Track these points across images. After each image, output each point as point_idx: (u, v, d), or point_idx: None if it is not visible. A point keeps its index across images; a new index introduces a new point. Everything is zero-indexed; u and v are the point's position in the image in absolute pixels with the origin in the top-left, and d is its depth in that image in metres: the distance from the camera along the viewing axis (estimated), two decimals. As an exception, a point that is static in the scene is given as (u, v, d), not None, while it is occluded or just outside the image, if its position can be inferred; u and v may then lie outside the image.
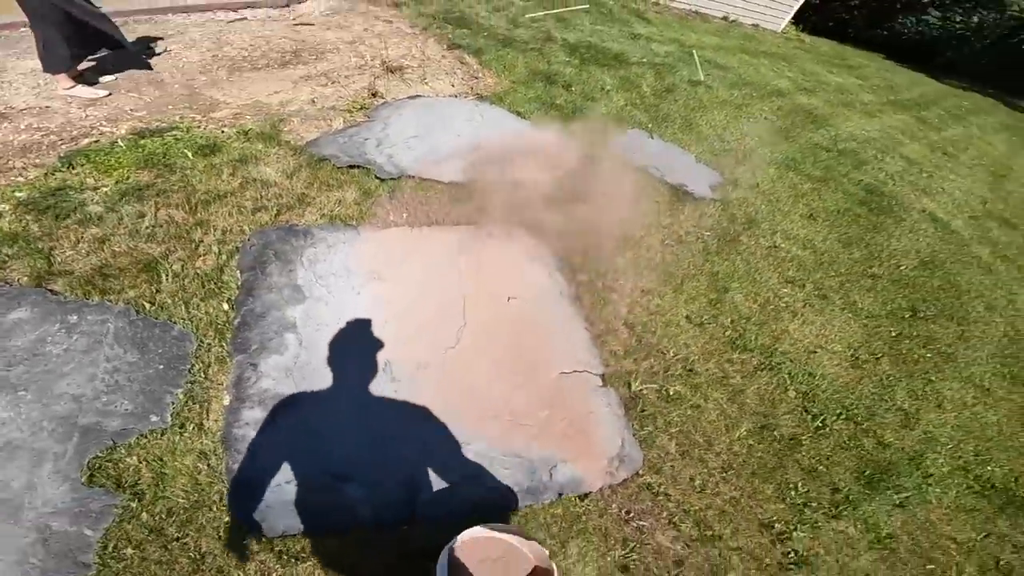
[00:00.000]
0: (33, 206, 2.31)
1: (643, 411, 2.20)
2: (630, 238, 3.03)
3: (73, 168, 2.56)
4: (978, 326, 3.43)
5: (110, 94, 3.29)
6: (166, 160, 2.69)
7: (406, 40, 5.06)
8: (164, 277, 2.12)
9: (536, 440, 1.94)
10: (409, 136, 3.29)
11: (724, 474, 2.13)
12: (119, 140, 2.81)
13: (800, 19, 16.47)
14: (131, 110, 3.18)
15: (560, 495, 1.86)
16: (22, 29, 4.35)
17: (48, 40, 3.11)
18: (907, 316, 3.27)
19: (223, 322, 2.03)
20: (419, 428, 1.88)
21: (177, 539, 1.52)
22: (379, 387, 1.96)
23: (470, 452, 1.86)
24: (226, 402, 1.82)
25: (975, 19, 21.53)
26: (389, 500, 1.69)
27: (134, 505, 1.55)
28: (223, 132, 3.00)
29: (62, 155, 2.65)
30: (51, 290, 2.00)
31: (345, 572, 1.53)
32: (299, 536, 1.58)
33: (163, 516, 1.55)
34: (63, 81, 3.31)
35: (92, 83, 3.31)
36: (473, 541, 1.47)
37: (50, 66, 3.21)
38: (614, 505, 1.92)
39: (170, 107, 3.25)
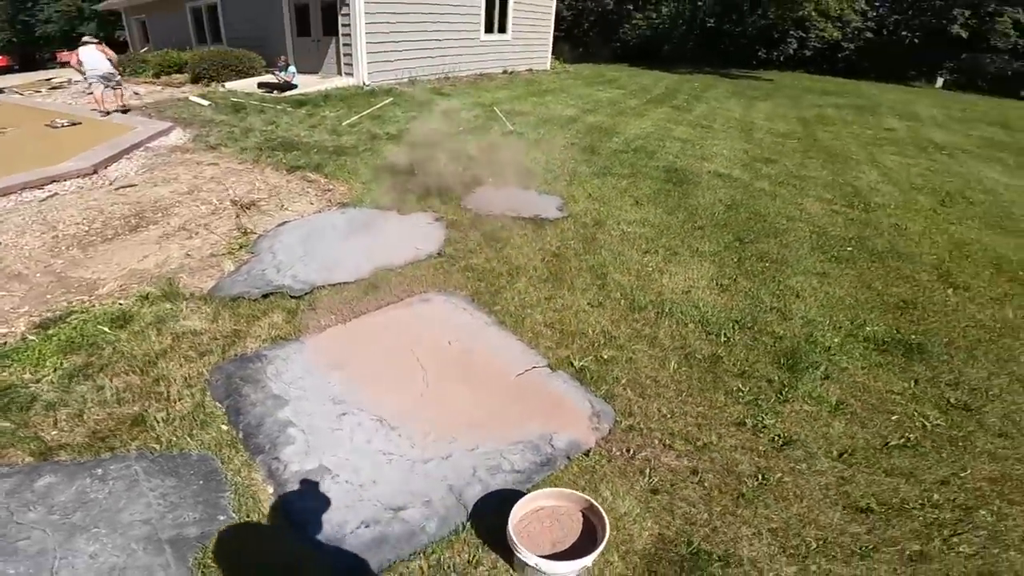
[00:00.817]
0: None
1: (592, 378, 2.86)
2: (519, 267, 3.92)
3: (2, 371, 2.71)
4: (789, 234, 4.85)
5: None
6: (86, 340, 2.90)
7: (243, 176, 5.63)
8: (156, 424, 2.40)
9: (526, 425, 2.57)
10: (300, 255, 3.84)
11: (680, 398, 2.74)
12: (25, 336, 2.98)
13: (557, 52, 20.32)
14: (11, 308, 3.29)
15: (569, 458, 2.42)
16: None
17: None
18: (737, 245, 4.55)
19: (230, 439, 2.38)
20: (433, 451, 2.43)
21: None
22: (384, 436, 2.46)
23: (482, 454, 2.43)
24: (271, 491, 2.19)
25: (664, 11, 28.55)
26: (444, 511, 2.17)
27: None
28: (123, 303, 3.30)
29: None
30: (58, 460, 2.22)
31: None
32: (395, 565, 1.95)
33: None
34: None
35: None
36: (525, 516, 2.04)
37: None
38: (614, 450, 2.46)
39: (48, 297, 3.41)
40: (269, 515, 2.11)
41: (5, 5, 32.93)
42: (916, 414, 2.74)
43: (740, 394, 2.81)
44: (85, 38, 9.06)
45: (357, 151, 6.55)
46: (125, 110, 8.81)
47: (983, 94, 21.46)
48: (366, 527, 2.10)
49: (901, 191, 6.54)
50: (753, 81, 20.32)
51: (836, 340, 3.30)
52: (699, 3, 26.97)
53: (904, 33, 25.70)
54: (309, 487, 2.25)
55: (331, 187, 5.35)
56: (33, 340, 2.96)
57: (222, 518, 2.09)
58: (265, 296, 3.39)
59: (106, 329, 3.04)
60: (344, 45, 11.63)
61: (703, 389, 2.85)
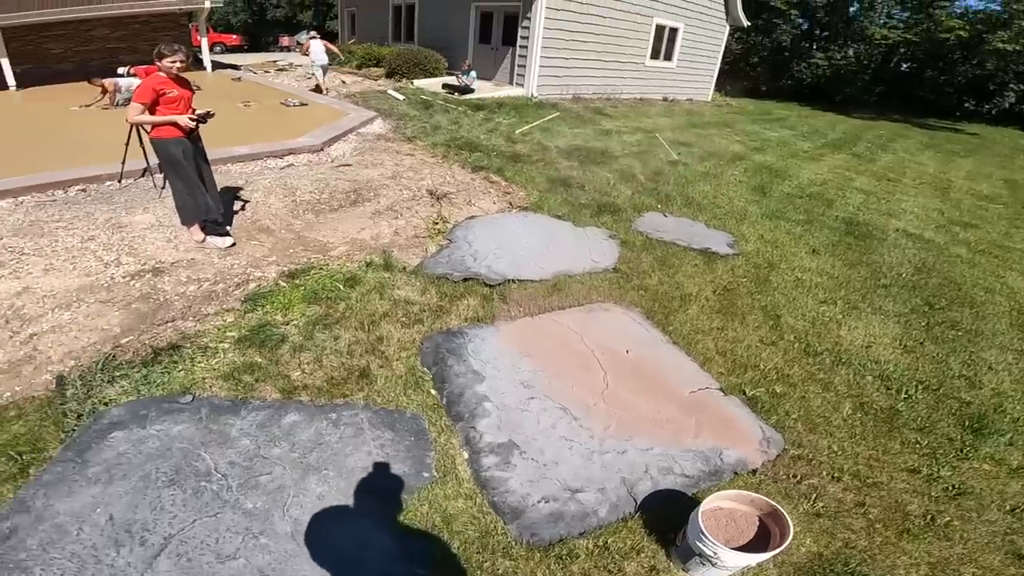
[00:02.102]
0: (248, 342, 3.10)
1: (763, 408, 2.99)
2: (690, 294, 4.06)
3: (257, 309, 3.41)
4: (986, 307, 4.52)
5: (234, 243, 4.24)
6: (325, 294, 3.59)
7: (436, 169, 6.37)
8: (377, 380, 2.94)
9: (698, 437, 2.75)
10: (493, 249, 4.33)
11: (852, 440, 2.82)
12: (280, 282, 3.73)
13: (720, 85, 19.75)
14: (262, 256, 4.13)
15: (736, 473, 2.60)
16: (108, 183, 5.38)
17: (180, 193, 4.04)
18: (927, 310, 4.33)
19: (435, 404, 2.82)
20: (611, 444, 2.67)
21: (482, 565, 2.09)
22: (567, 424, 2.75)
23: (655, 456, 2.64)
24: (466, 456, 2.56)
25: (851, 52, 26.28)
26: (615, 500, 2.42)
27: (443, 542, 2.16)
28: (352, 266, 3.98)
29: (242, 299, 3.52)
30: (299, 400, 2.80)
31: (608, 558, 2.19)
32: (566, 540, 2.22)
33: (465, 548, 2.15)
34: (195, 233, 4.20)
35: (217, 234, 4.25)
36: (704, 513, 2.19)
37: (186, 219, 4.16)
38: (781, 473, 2.60)
39: (291, 251, 4.22)
40: (463, 478, 2.45)
41: None
42: None
43: (917, 446, 2.85)
44: (312, 33, 11.00)
45: (531, 159, 7.07)
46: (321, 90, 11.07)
47: None
48: (545, 503, 2.38)
49: None
50: (953, 134, 18.19)
51: None
52: (901, 49, 24.67)
53: None
54: (499, 459, 2.58)
55: (511, 190, 5.86)
56: (284, 287, 3.69)
57: (426, 475, 2.46)
58: (464, 280, 3.88)
59: (340, 286, 3.69)
60: (520, 56, 12.46)
61: (877, 436, 2.90)
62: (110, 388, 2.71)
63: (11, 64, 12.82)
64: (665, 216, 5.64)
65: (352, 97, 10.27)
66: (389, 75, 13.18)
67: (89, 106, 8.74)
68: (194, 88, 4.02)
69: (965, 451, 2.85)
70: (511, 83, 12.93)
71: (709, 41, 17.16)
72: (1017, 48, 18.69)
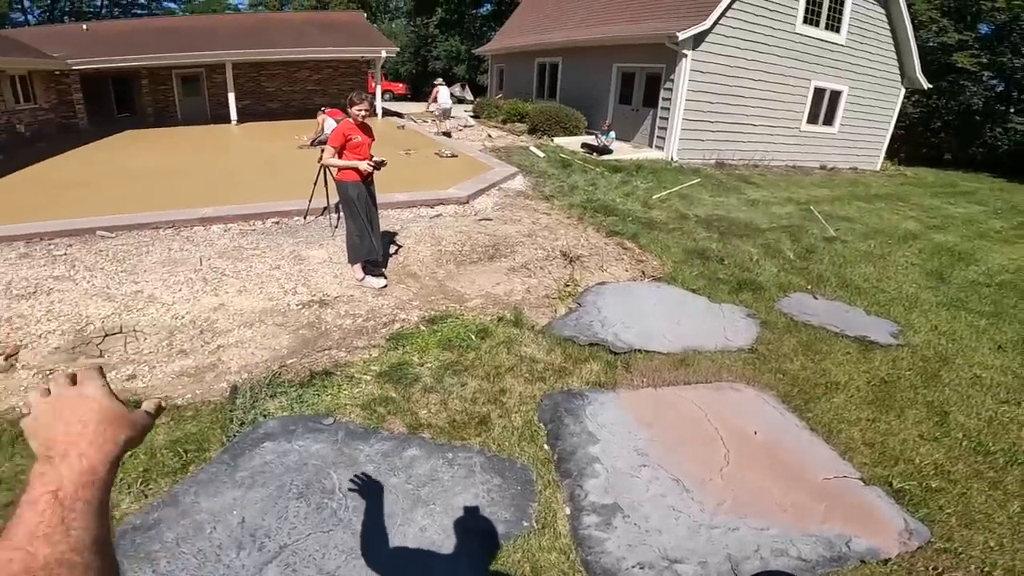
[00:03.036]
0: (387, 377, 3.49)
1: (911, 500, 2.69)
2: (838, 383, 3.70)
3: (398, 348, 3.82)
4: None
5: (387, 285, 4.79)
6: (458, 342, 3.91)
7: (570, 231, 6.65)
8: (495, 428, 3.11)
9: (825, 523, 2.52)
10: (622, 317, 4.39)
11: (1015, 536, 2.53)
12: (420, 326, 4.15)
13: (892, 153, 17.92)
14: (408, 300, 4.62)
15: (863, 561, 2.34)
16: (296, 218, 6.41)
17: (352, 233, 4.65)
18: None
19: (545, 458, 2.91)
20: (721, 520, 2.53)
21: None
22: (677, 495, 2.66)
23: (770, 536, 2.44)
24: (567, 512, 2.61)
25: None
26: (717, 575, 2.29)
27: None
28: (484, 319, 4.29)
29: (387, 337, 3.98)
30: (422, 437, 3.05)
31: None
32: None
33: None
34: (357, 271, 4.83)
35: (374, 274, 4.84)
36: None
37: (353, 258, 4.80)
38: (919, 564, 2.34)
39: (432, 298, 4.66)
40: (561, 532, 2.49)
41: (414, 39, 42.48)
42: None
43: None
44: (440, 80, 13.07)
45: (667, 227, 7.05)
46: (447, 134, 12.83)
47: None
48: (640, 568, 2.32)
49: None
50: None
51: None
52: None
53: None
54: (601, 519, 2.58)
55: (644, 258, 5.90)
56: (423, 330, 4.07)
57: (525, 524, 2.54)
58: (590, 345, 3.97)
59: (472, 336, 3.99)
60: (661, 119, 12.62)
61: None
62: (271, 402, 3.21)
63: (235, 99, 15.93)
64: (816, 298, 5.23)
65: (496, 151, 11.17)
66: (531, 131, 14.09)
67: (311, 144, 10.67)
68: (374, 135, 4.68)
69: None
70: (650, 145, 13.10)
71: (879, 104, 15.86)
72: None
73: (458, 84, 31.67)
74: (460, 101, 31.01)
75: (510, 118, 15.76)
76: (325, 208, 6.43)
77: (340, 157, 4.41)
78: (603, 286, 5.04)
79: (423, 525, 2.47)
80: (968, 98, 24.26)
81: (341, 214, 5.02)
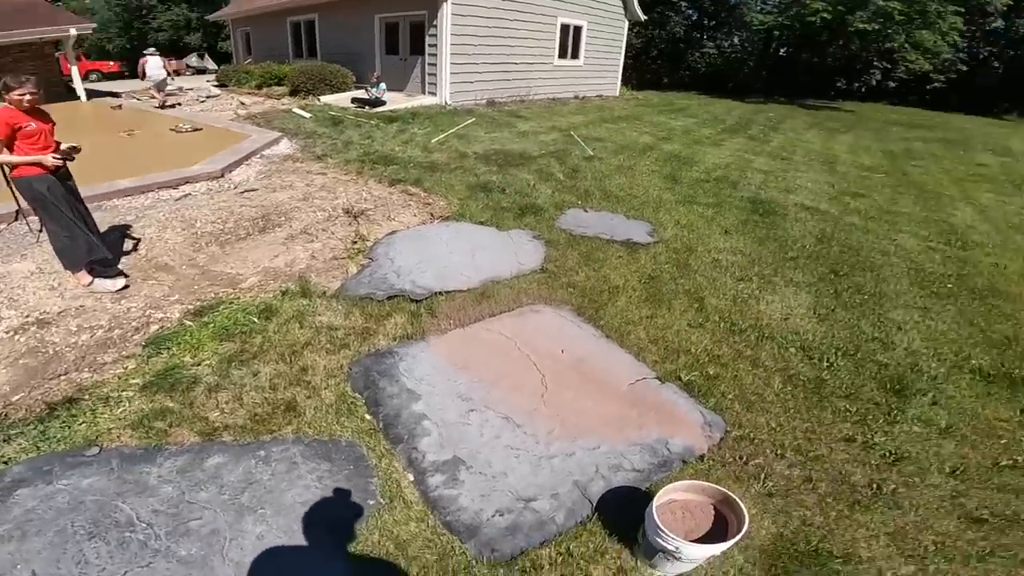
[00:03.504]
0: (155, 387, 2.82)
1: (700, 391, 3.05)
2: (618, 287, 4.13)
3: (162, 352, 3.11)
4: (885, 269, 4.88)
5: (127, 285, 3.86)
6: (238, 329, 3.33)
7: (351, 187, 6.14)
8: (306, 412, 2.75)
9: (642, 429, 2.78)
10: (416, 263, 4.20)
11: (787, 414, 2.88)
12: (185, 321, 3.43)
13: (625, 80, 20.60)
14: (162, 296, 3.78)
15: (684, 461, 2.62)
16: None
17: (57, 235, 3.65)
18: (832, 277, 4.61)
19: (370, 429, 2.68)
20: (557, 448, 2.64)
21: None
22: (511, 432, 2.69)
23: (603, 454, 2.63)
24: (411, 478, 2.46)
25: (736, 40, 28.35)
26: (570, 504, 2.38)
27: (400, 568, 1.99)
28: (266, 297, 3.73)
29: (143, 344, 3.20)
30: (222, 441, 2.57)
31: (574, 564, 2.14)
32: (527, 551, 2.16)
33: (424, 572, 2.01)
34: (82, 277, 3.78)
35: (105, 276, 3.83)
36: (658, 508, 2.19)
37: (71, 263, 3.74)
38: (727, 456, 2.65)
39: (196, 287, 3.89)
40: (411, 501, 2.35)
41: (121, 12, 35.74)
42: (1022, 440, 2.83)
43: (847, 414, 2.93)
44: (151, 49, 11.35)
45: (449, 168, 6.99)
46: (170, 106, 11.99)
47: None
48: (500, 516, 2.32)
49: (998, 230, 6.37)
50: (832, 112, 19.93)
51: (942, 371, 3.38)
52: (774, 32, 26.69)
53: (996, 65, 24.50)
54: (446, 477, 2.50)
55: (431, 201, 5.76)
56: (190, 326, 3.40)
57: (371, 502, 2.34)
58: (389, 298, 3.74)
59: (254, 319, 3.45)
60: (430, 65, 12.35)
61: (809, 408, 2.99)
62: (7, 447, 2.44)
63: None
64: (586, 211, 5.74)
65: (253, 118, 9.74)
66: (293, 93, 12.66)
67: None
68: (53, 120, 3.66)
69: (893, 415, 2.95)
70: (423, 92, 12.79)
71: (611, 37, 17.84)
72: (875, 28, 20.58)
73: (194, 54, 27.76)
74: (201, 71, 26.46)
75: (266, 82, 14.01)
76: (18, 212, 4.85)
77: (11, 151, 3.36)
78: (393, 235, 4.79)
79: (258, 533, 2.13)
80: (673, 28, 28.74)
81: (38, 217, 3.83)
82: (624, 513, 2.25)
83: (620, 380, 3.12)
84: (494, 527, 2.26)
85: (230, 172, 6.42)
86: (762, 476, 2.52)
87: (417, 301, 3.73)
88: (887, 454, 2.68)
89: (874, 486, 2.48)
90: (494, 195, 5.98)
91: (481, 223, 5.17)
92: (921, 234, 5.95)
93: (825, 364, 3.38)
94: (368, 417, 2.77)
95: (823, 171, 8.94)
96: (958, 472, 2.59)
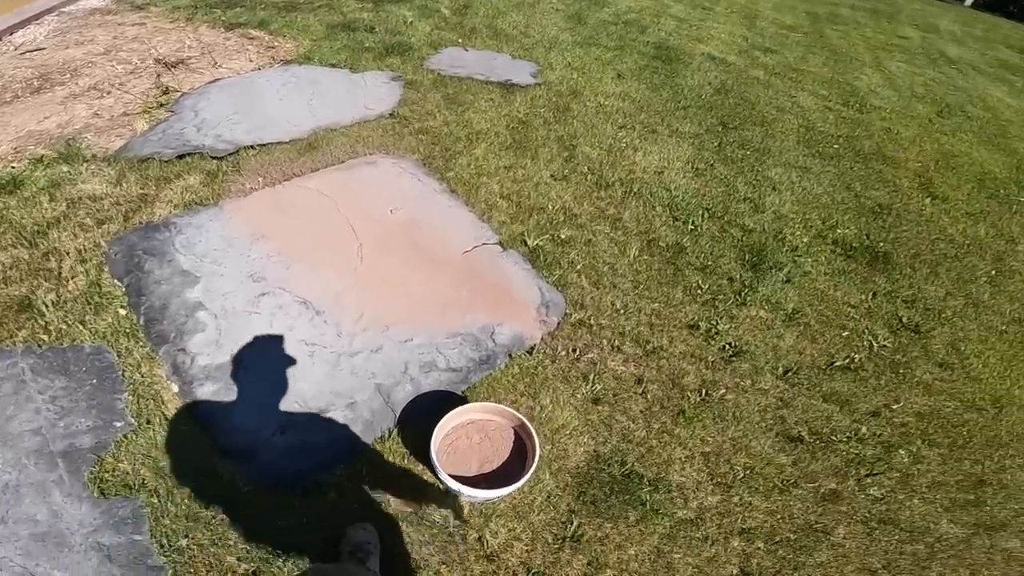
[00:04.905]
0: None
1: (546, 260, 2.56)
2: (480, 132, 3.36)
3: None
4: (776, 125, 4.33)
5: None
6: None
7: (172, 35, 4.73)
8: (44, 309, 2.02)
9: (468, 314, 2.24)
10: (230, 114, 3.22)
11: (636, 291, 2.52)
12: None
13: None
14: None
15: (511, 356, 2.15)
16: None
17: None
18: (720, 130, 4.04)
19: (129, 326, 2.02)
20: (362, 342, 2.08)
21: (213, 518, 1.60)
22: (308, 323, 2.10)
23: (416, 348, 2.10)
24: (175, 389, 1.88)
25: None
26: (370, 415, 1.89)
27: (156, 501, 1.61)
28: (15, 167, 2.75)
29: None
30: None
31: (363, 493, 1.72)
32: (312, 476, 1.72)
33: (189, 500, 1.63)
34: None
35: None
36: (453, 430, 1.78)
37: None
38: (560, 348, 2.23)
39: None
40: (174, 420, 1.81)
41: None
42: (866, 331, 2.59)
43: (698, 292, 2.60)
44: None
45: (312, 6, 5.55)
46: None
47: (1013, 19, 19.36)
48: (282, 434, 1.82)
49: (901, 97, 5.92)
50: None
51: (805, 240, 3.05)
52: None
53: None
54: (220, 386, 1.92)
55: (275, 44, 4.52)
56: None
57: (119, 424, 1.78)
58: (180, 157, 2.85)
59: (-10, 194, 2.52)
60: None
61: (662, 283, 2.62)
62: None
63: None
64: (466, 50, 4.69)
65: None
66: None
67: None
68: None
69: (744, 295, 2.61)
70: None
71: None
72: None
73: None
74: None
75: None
76: None
77: None
78: (212, 85, 3.69)
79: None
80: None
81: None
82: (431, 425, 1.77)
83: (455, 246, 2.53)
84: (275, 448, 1.78)
85: (10, 35, 4.81)
86: (592, 376, 2.14)
87: (218, 158, 2.86)
88: (726, 347, 2.36)
89: (704, 391, 2.19)
90: (358, 34, 4.77)
91: (332, 65, 4.08)
92: (821, 93, 5.36)
93: (689, 227, 2.95)
94: (124, 312, 2.10)
95: (741, 24, 7.94)
96: (790, 373, 2.32)
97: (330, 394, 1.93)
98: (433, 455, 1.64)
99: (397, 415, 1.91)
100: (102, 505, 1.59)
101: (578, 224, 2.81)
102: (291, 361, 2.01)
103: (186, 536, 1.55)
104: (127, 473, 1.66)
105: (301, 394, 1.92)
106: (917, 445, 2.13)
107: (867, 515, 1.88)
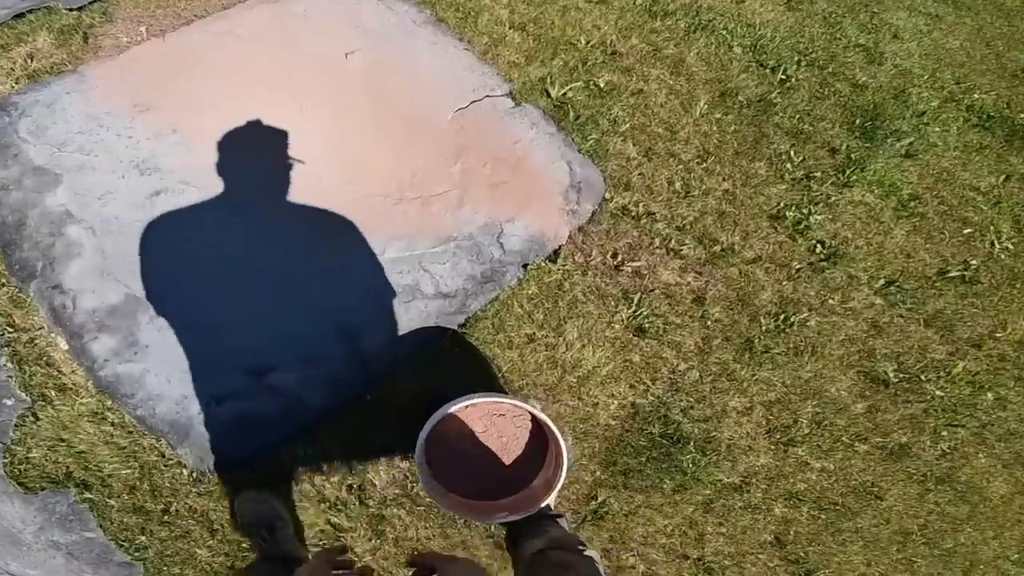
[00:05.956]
0: None
1: (577, 119, 1.79)
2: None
3: None
4: None
5: None
6: None
7: None
8: None
9: (463, 205, 1.48)
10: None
11: (704, 164, 1.82)
12: None
13: None
14: None
15: (525, 266, 1.49)
16: None
17: None
18: None
19: None
20: (310, 262, 1.36)
21: (164, 510, 1.27)
22: (228, 230, 1.36)
23: (390, 264, 1.39)
24: (64, 347, 1.29)
25: None
26: (329, 373, 1.26)
27: (91, 495, 1.27)
28: None
29: None
30: None
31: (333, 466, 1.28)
32: (264, 457, 1.26)
33: (128, 491, 1.27)
34: None
35: None
36: (444, 422, 1.14)
37: None
38: (594, 253, 1.60)
39: None
40: (74, 390, 1.31)
41: None
42: (991, 227, 2.00)
43: (788, 165, 1.91)
44: None
45: None
46: None
47: None
48: (218, 404, 1.21)
49: None
50: None
51: (933, 104, 2.29)
52: None
53: None
54: (120, 338, 1.29)
55: None
56: None
57: (8, 402, 1.29)
58: (17, 17, 1.87)
59: None
60: None
61: (739, 151, 1.91)
62: None
63: None
64: None
65: None
66: None
67: None
68: None
69: (848, 172, 1.93)
70: None
71: None
72: None
73: None
74: None
75: None
76: None
77: None
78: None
79: None
80: None
81: None
82: (418, 383, 1.35)
83: (444, 103, 1.69)
84: (213, 424, 1.22)
85: None
86: (637, 295, 1.58)
87: (77, 8, 1.88)
88: (818, 247, 1.78)
89: (780, 314, 1.66)
90: None
91: None
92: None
93: (779, 77, 2.12)
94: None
95: None
96: (893, 287, 1.78)
97: (275, 343, 1.27)
98: (421, 455, 1.08)
99: (368, 368, 1.30)
100: (34, 502, 1.27)
101: (624, 67, 1.98)
102: (212, 295, 1.30)
103: (142, 532, 1.26)
104: (44, 463, 1.29)
105: (237, 345, 1.26)
106: (1007, 387, 1.72)
107: (927, 473, 1.59)
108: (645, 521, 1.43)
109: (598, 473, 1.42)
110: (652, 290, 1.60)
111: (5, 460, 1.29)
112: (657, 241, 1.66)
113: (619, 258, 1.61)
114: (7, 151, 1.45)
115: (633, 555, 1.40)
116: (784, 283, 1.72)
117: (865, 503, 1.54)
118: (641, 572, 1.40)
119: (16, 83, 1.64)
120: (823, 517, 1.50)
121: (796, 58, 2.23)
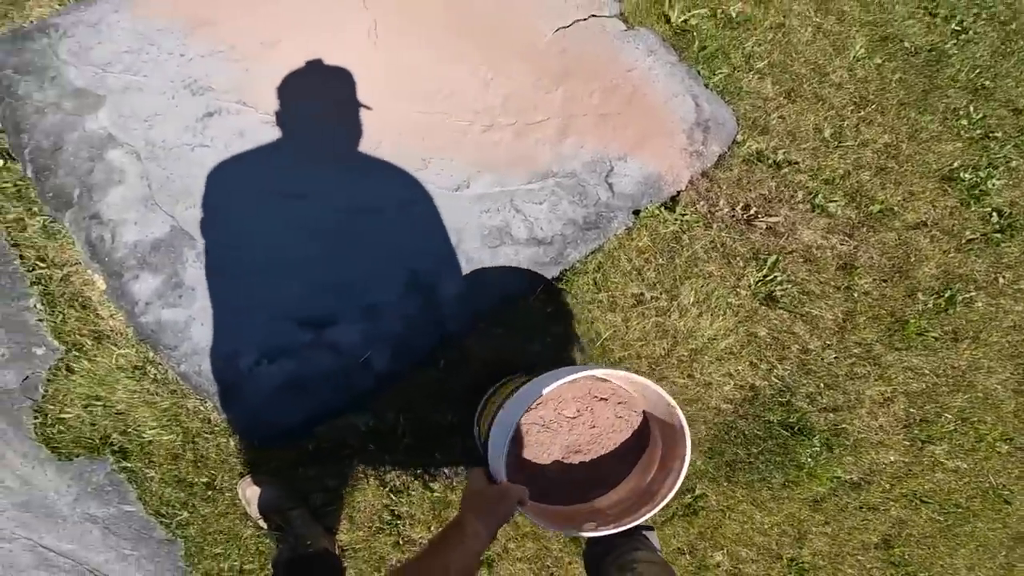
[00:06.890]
0: None
1: (703, 50, 1.51)
2: None
3: None
4: None
5: None
6: None
7: None
8: None
9: (565, 140, 1.22)
10: None
11: (862, 112, 1.53)
12: None
13: None
14: None
15: (637, 213, 1.24)
16: None
17: None
18: None
19: (13, 182, 1.19)
20: (381, 190, 1.13)
21: (208, 484, 1.12)
22: (291, 161, 1.15)
23: (475, 198, 1.15)
24: (102, 286, 1.12)
25: None
26: (401, 327, 1.04)
27: (131, 463, 1.13)
28: None
29: None
30: None
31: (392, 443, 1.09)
32: (326, 419, 1.09)
33: (170, 460, 1.12)
34: None
35: None
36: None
37: None
38: (721, 202, 1.33)
39: None
40: (112, 338, 1.13)
41: None
42: None
43: (964, 123, 1.61)
44: None
45: None
46: None
47: None
48: (270, 362, 1.00)
49: None
50: None
51: None
52: None
53: None
54: (164, 278, 1.09)
55: None
56: None
57: (39, 351, 1.15)
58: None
59: None
60: None
61: (903, 102, 1.59)
62: None
63: None
64: None
65: None
66: None
67: None
68: None
69: None
70: None
71: None
72: None
73: None
74: None
75: None
76: None
77: None
78: None
79: None
80: None
81: None
82: (507, 344, 1.12)
83: (542, 21, 1.42)
84: (262, 383, 1.00)
85: None
86: (770, 256, 1.31)
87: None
88: (993, 216, 1.49)
89: (943, 290, 1.40)
90: None
91: None
92: None
93: (953, 27, 1.79)
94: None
95: None
96: None
97: (333, 291, 1.06)
98: (502, 433, 0.81)
99: (444, 323, 1.08)
100: (69, 470, 1.14)
101: (759, -3, 1.68)
102: (266, 231, 1.09)
103: (184, 507, 1.13)
104: (79, 426, 1.13)
105: (290, 296, 1.04)
106: None
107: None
108: (743, 518, 1.26)
109: (699, 464, 1.24)
110: (790, 252, 1.34)
111: (36, 421, 1.15)
112: (800, 195, 1.39)
113: (751, 211, 1.34)
114: (44, 73, 1.27)
115: (722, 552, 1.23)
116: (952, 255, 1.44)
117: (989, 506, 1.38)
118: (726, 570, 1.23)
119: (61, 4, 1.47)
120: (941, 520, 1.34)
121: (974, 10, 1.88)
